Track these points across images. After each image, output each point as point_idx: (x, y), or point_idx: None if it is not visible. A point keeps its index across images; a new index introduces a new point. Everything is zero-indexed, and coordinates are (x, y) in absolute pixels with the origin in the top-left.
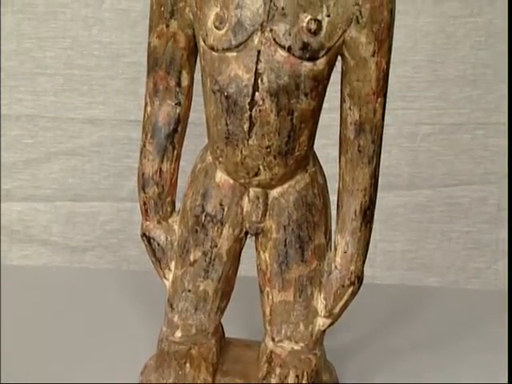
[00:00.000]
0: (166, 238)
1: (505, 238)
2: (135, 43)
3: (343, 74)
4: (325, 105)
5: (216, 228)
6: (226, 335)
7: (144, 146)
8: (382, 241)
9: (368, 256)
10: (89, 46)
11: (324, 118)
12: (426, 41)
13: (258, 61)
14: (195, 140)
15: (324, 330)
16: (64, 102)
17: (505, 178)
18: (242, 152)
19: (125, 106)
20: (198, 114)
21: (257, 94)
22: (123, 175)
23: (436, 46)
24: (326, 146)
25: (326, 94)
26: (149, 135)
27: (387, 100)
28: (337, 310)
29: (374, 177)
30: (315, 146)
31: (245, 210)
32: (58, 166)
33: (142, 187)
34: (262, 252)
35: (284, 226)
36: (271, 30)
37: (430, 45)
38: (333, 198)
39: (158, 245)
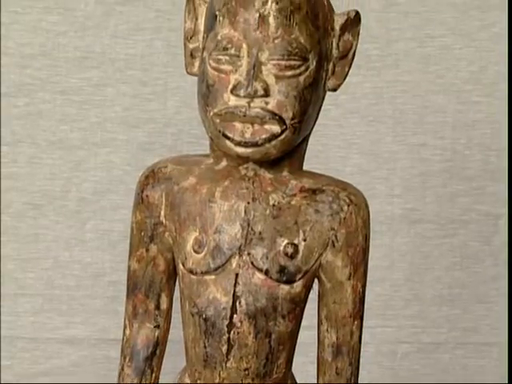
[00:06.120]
0: None
1: None
2: (116, 262)
3: (320, 296)
4: (304, 322)
5: None
6: None
7: (122, 369)
8: None
9: None
10: (70, 266)
11: (303, 335)
12: (403, 260)
13: (236, 284)
14: (173, 358)
15: None
16: (43, 322)
17: None
18: (220, 375)
19: (104, 325)
20: (176, 331)
21: (235, 316)
22: None
23: (413, 265)
24: (305, 363)
25: (305, 311)
26: (127, 358)
27: (366, 318)
28: None
29: None
30: (294, 365)
31: None
32: None
33: None
34: None
35: None
36: (249, 254)
37: (406, 264)
38: None
39: None
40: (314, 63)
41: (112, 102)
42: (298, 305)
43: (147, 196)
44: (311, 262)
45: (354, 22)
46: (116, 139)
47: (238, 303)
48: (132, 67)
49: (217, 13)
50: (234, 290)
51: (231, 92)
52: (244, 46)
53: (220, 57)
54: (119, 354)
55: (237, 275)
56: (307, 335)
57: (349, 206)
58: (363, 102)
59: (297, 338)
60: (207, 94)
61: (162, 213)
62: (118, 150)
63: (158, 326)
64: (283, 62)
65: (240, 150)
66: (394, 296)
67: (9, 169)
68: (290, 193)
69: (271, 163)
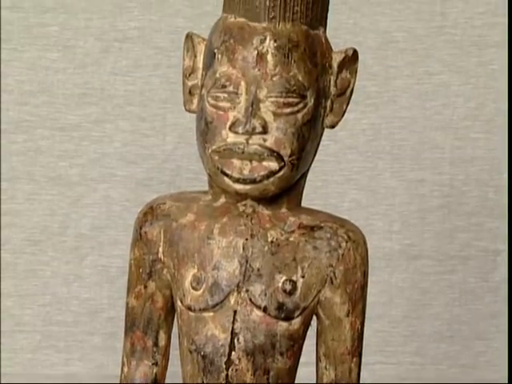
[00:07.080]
0: None
1: None
2: (114, 298)
3: (318, 333)
4: (302, 358)
5: None
6: None
7: None
8: None
9: None
10: (67, 302)
11: (302, 371)
12: (402, 296)
13: (234, 320)
14: None
15: None
16: (41, 359)
17: None
18: None
19: (102, 362)
20: (174, 369)
21: (233, 353)
22: None
23: (411, 301)
24: None
25: (304, 347)
26: None
27: (365, 354)
28: None
29: None
30: None
31: None
32: None
33: None
34: None
35: None
36: (247, 291)
37: (405, 300)
38: None
39: None
40: (312, 100)
41: (111, 137)
42: (296, 342)
43: (145, 233)
44: (309, 298)
45: (351, 59)
46: (115, 175)
47: (236, 340)
48: (131, 103)
49: (215, 50)
50: (233, 327)
51: (230, 129)
52: (242, 83)
53: (218, 94)
54: None
55: (235, 312)
56: (306, 371)
57: (347, 242)
58: (361, 137)
59: (295, 374)
60: (206, 130)
61: (161, 249)
62: (116, 185)
63: (156, 363)
64: (281, 100)
65: (238, 186)
66: (392, 332)
67: (7, 205)
68: (288, 229)
69: (269, 200)
